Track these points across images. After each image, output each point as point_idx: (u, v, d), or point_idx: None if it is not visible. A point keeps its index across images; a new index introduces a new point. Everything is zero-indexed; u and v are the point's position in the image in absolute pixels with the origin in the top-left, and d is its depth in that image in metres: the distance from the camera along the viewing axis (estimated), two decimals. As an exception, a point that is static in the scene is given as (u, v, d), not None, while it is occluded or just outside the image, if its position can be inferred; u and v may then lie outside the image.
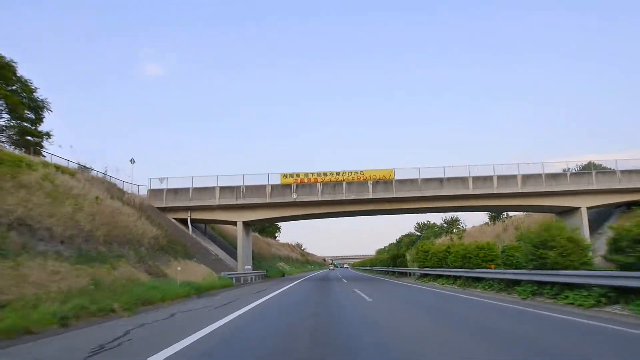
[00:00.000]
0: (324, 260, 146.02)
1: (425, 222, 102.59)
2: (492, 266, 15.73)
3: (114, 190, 21.64)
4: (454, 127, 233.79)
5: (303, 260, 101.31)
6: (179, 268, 14.82)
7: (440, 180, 29.92)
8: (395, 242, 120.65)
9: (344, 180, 30.08)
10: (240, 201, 29.76)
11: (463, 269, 18.09)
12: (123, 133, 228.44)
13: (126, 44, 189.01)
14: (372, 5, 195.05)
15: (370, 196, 29.66)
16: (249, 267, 30.67)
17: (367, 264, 72.53)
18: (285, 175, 30.30)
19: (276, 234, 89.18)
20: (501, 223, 57.38)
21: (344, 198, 29.68)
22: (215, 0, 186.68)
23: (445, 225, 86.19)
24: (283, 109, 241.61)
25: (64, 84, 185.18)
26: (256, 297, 14.53)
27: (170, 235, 21.99)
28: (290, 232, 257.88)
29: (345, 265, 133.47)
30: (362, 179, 30.14)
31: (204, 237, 33.11)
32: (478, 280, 17.18)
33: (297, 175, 30.32)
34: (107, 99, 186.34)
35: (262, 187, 29.97)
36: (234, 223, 31.25)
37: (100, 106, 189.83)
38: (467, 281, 17.94)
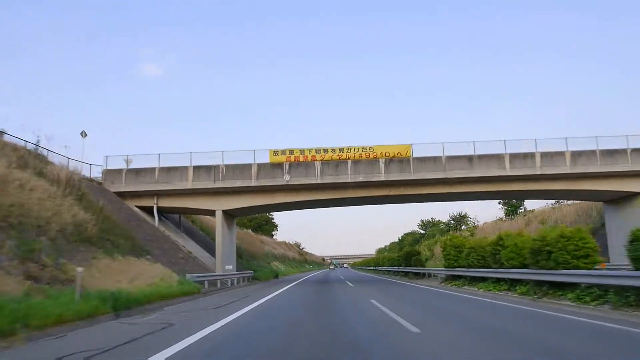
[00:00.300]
0: (323, 259, 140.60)
1: (430, 220, 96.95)
2: (603, 265, 9.73)
3: (32, 161, 15.56)
4: (454, 127, 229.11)
5: (301, 260, 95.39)
6: (81, 269, 8.79)
7: (469, 159, 23.86)
8: (397, 240, 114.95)
9: (349, 159, 23.99)
10: (220, 184, 23.68)
11: (533, 270, 12.04)
12: (122, 132, 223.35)
13: (126, 44, 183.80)
14: (372, 5, 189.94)
15: (382, 178, 23.58)
16: (231, 267, 24.62)
17: (370, 264, 66.50)
18: (275, 152, 24.22)
19: (273, 232, 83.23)
20: (522, 217, 51.36)
21: (349, 180, 23.62)
22: (215, 0, 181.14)
23: (452, 222, 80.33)
24: (283, 109, 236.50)
25: (64, 84, 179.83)
26: (211, 318, 8.47)
27: (112, 224, 15.95)
28: (288, 232, 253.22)
29: (345, 265, 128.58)
30: (371, 156, 24.06)
31: (177, 230, 27.04)
32: (561, 286, 11.17)
33: (291, 151, 24.25)
34: (107, 99, 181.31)
35: (246, 167, 23.89)
36: (212, 213, 25.17)
37: (100, 106, 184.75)
38: (540, 288, 11.91)
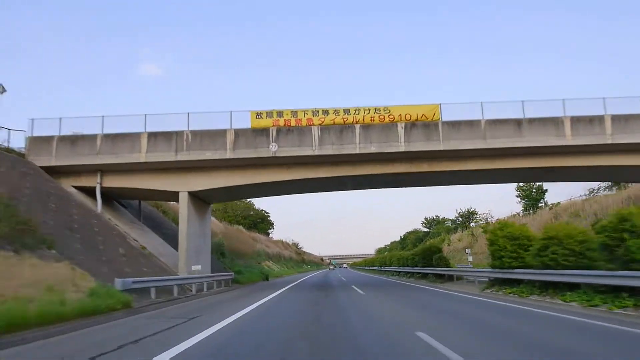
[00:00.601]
0: (322, 259, 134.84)
1: (434, 217, 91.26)
2: None
3: None
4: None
5: (298, 260, 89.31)
6: None
7: (517, 123, 17.82)
8: (399, 240, 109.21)
9: (357, 122, 17.96)
10: (183, 157, 17.60)
11: None
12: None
13: (126, 44, 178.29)
14: (372, 5, 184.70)
15: (402, 148, 17.53)
16: (199, 267, 18.55)
17: (374, 263, 60.37)
18: (258, 114, 18.14)
19: (269, 230, 77.22)
20: (547, 211, 45.32)
21: (356, 152, 17.58)
22: (215, 0, 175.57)
23: (460, 219, 74.48)
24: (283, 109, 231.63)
25: (64, 84, 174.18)
26: None
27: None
28: (286, 231, 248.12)
29: (344, 265, 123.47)
30: (387, 119, 18.02)
31: (135, 220, 20.97)
32: None
33: (279, 113, 18.17)
34: (107, 99, 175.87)
35: (219, 134, 17.81)
36: (175, 195, 19.03)
37: (100, 106, 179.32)
38: None
